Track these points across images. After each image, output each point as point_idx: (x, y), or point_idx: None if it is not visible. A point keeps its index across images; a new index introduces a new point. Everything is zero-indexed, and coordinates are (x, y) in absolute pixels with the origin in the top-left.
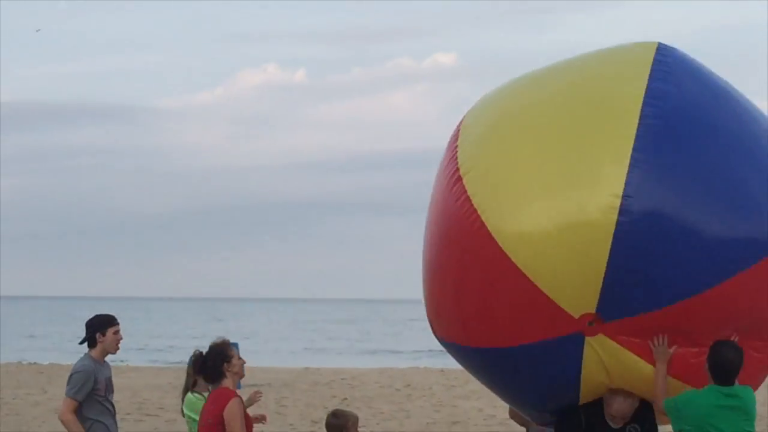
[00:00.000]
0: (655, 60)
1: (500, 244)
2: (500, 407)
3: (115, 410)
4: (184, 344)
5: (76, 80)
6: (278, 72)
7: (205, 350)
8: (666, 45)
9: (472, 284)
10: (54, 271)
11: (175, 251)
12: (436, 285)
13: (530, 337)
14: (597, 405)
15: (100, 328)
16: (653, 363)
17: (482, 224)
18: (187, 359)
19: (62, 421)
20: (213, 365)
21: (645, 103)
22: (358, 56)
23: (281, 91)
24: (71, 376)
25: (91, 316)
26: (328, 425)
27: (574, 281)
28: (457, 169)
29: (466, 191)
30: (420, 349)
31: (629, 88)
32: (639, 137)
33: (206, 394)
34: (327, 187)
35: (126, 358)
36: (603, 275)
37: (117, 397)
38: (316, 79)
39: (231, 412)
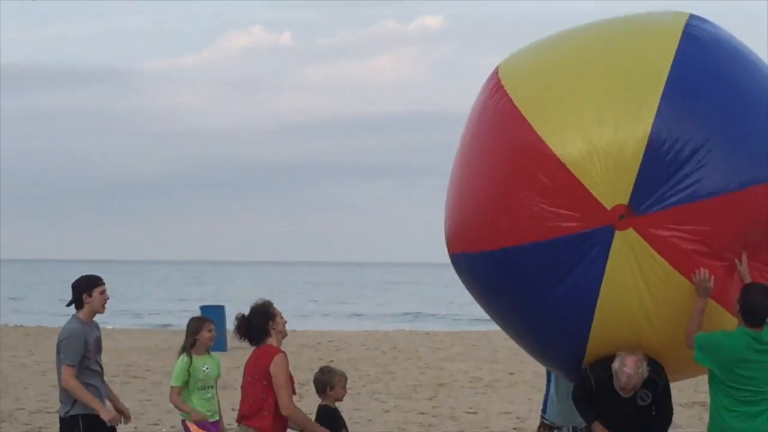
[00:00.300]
0: (686, 27)
1: (539, 133)
2: (486, 369)
3: (103, 370)
4: (169, 307)
5: (62, 43)
6: (264, 35)
7: (246, 312)
8: (697, 16)
9: (509, 178)
10: (38, 234)
11: (160, 214)
12: (468, 189)
13: (562, 229)
14: (606, 373)
15: (86, 289)
16: (679, 267)
17: (521, 117)
18: (173, 322)
19: (67, 390)
20: (259, 324)
21: (673, 66)
22: (344, 19)
23: (267, 54)
24: (61, 342)
25: (76, 278)
26: (315, 381)
27: (610, 171)
28: (498, 81)
29: (507, 95)
30: (407, 312)
31: (661, 51)
32: (665, 94)
33: (203, 357)
34: (313, 150)
35: (110, 321)
36: (638, 167)
37: (103, 360)
38: (302, 42)
39: (278, 365)
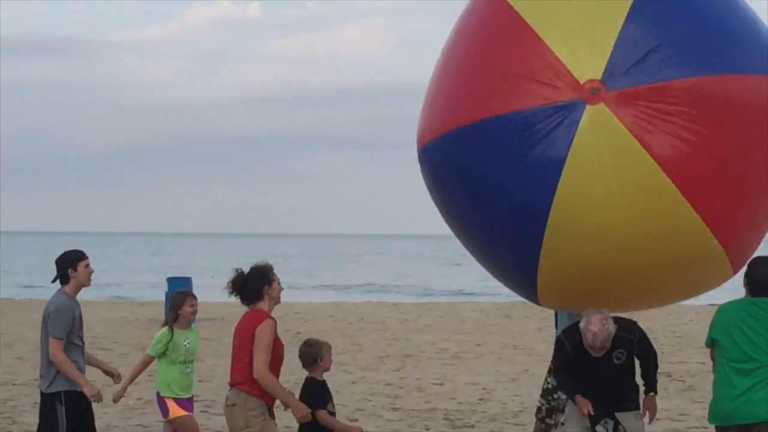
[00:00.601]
0: None
1: (517, 9)
2: (452, 340)
3: (84, 345)
4: (134, 279)
5: (27, 14)
6: (231, 6)
7: (246, 270)
8: None
9: (484, 52)
10: (3, 207)
11: (125, 185)
12: (443, 76)
13: (533, 100)
14: (578, 336)
15: (71, 264)
16: (646, 145)
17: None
18: (139, 293)
19: (54, 362)
20: (254, 286)
21: None
22: None
23: (234, 26)
24: (49, 314)
25: (60, 254)
26: (302, 355)
27: (585, 46)
28: None
29: None
30: (373, 283)
31: None
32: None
33: (185, 331)
34: (280, 122)
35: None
36: (614, 44)
37: None
38: (270, 14)
39: (263, 329)
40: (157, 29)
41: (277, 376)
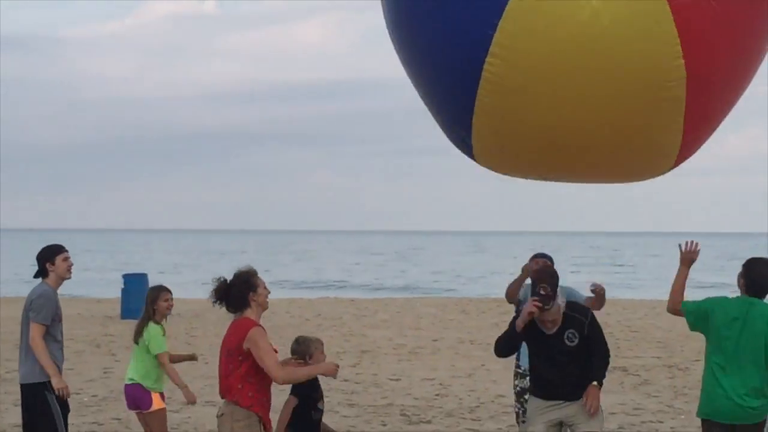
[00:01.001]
0: None
1: None
2: (409, 336)
3: (61, 333)
4: (91, 276)
5: None
6: (189, 1)
7: (229, 277)
8: None
9: None
10: None
11: (83, 182)
12: None
13: None
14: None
15: (48, 258)
16: None
17: None
18: (95, 290)
19: (32, 347)
20: (239, 294)
21: None
22: None
23: (192, 21)
24: (33, 301)
25: (39, 250)
26: (292, 352)
27: None
28: None
29: None
30: (330, 279)
31: None
32: None
33: (162, 324)
34: (237, 118)
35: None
36: None
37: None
38: (227, 9)
39: (253, 337)
40: (114, 25)
41: (269, 385)
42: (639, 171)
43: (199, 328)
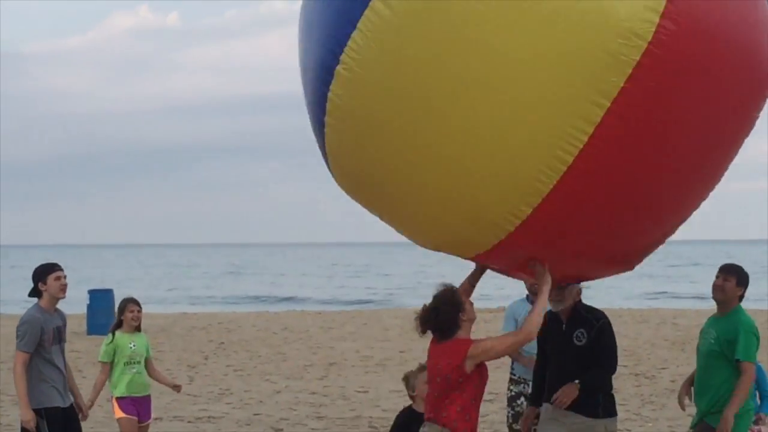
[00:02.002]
0: None
1: None
2: (376, 348)
3: (64, 361)
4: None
5: None
6: (150, 15)
7: (430, 301)
8: None
9: None
10: None
11: (42, 198)
12: None
13: None
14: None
15: (40, 278)
16: None
17: None
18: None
19: (13, 374)
20: (447, 317)
21: None
22: None
23: (154, 35)
24: (18, 328)
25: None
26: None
27: None
28: None
29: None
30: (294, 295)
31: None
32: None
33: (131, 335)
34: (201, 132)
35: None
36: None
37: None
38: (190, 22)
39: (475, 351)
40: (76, 39)
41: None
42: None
43: (166, 343)
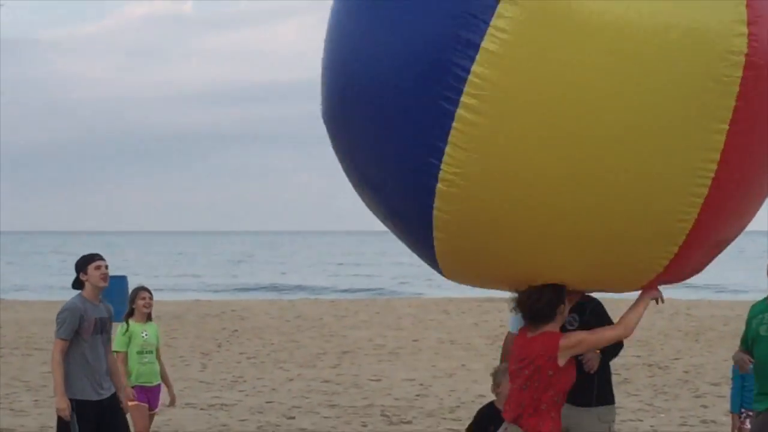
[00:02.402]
0: None
1: None
2: (389, 336)
3: (104, 354)
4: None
5: None
6: (165, 2)
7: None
8: None
9: None
10: None
11: (60, 184)
12: None
13: None
14: None
15: (81, 268)
16: None
17: None
18: (72, 293)
19: (51, 361)
20: (548, 307)
21: None
22: None
23: (169, 22)
24: (57, 315)
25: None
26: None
27: None
28: None
29: None
30: (307, 283)
31: None
32: None
33: (143, 324)
34: (214, 119)
35: (10, 293)
36: None
37: (4, 332)
38: (204, 10)
39: (568, 342)
40: (91, 27)
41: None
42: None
43: (179, 330)
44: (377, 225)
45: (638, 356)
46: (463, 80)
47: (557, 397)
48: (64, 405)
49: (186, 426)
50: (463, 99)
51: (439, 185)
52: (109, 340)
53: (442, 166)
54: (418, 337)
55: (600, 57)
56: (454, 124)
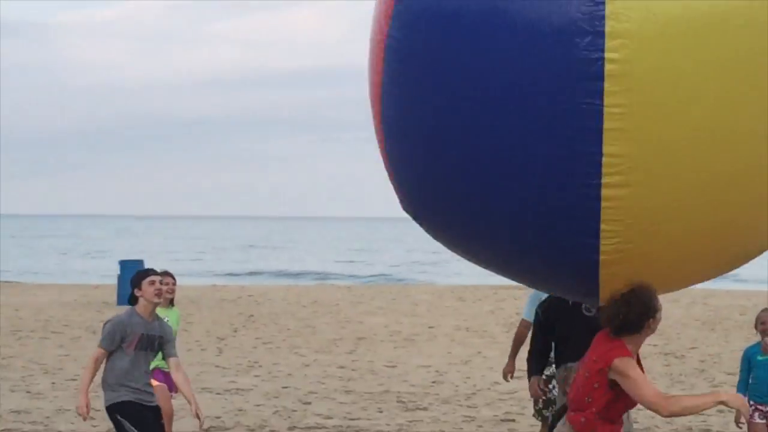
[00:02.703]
0: None
1: None
2: (405, 323)
3: (147, 367)
4: (87, 262)
5: None
6: None
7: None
8: None
9: None
10: None
11: (77, 169)
12: None
13: None
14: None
15: (135, 285)
16: None
17: None
18: (92, 276)
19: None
20: (636, 318)
21: None
22: None
23: (185, 7)
24: (103, 324)
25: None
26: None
27: None
28: None
29: None
30: (324, 269)
31: None
32: None
33: (165, 309)
34: (231, 104)
35: (27, 276)
36: None
37: (22, 315)
38: None
39: (621, 366)
40: (107, 11)
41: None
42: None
43: (195, 315)
44: (393, 211)
45: (654, 345)
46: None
47: (596, 412)
48: (82, 402)
49: (202, 410)
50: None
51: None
52: (159, 356)
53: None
54: (434, 324)
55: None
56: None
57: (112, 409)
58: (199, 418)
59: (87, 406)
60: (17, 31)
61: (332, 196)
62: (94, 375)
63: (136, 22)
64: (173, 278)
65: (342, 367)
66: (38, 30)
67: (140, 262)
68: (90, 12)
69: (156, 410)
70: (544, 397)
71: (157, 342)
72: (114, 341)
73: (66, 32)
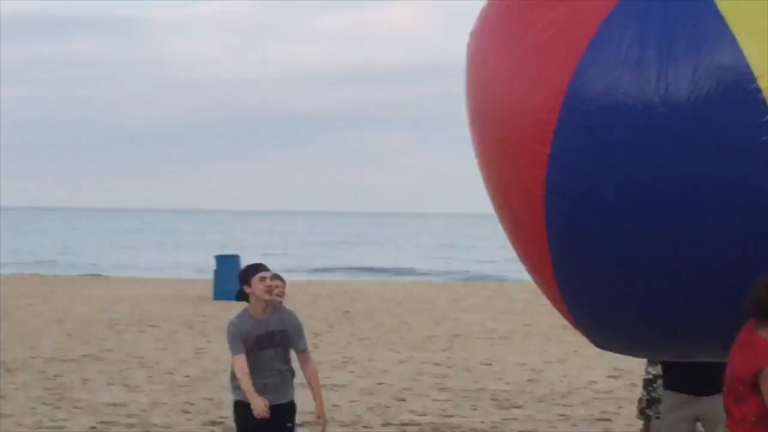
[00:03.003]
0: None
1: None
2: (501, 320)
3: (265, 361)
4: (183, 257)
5: None
6: None
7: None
8: None
9: None
10: (51, 183)
11: (173, 163)
12: None
13: None
14: None
15: (245, 281)
16: None
17: None
18: (188, 271)
19: None
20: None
21: None
22: None
23: (282, 2)
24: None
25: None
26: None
27: None
28: None
29: None
30: (418, 266)
31: None
32: None
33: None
34: (328, 100)
35: (124, 271)
36: None
37: (119, 309)
38: None
39: None
40: (206, 6)
41: None
42: None
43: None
44: (488, 208)
45: None
46: None
47: (740, 418)
48: (259, 406)
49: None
50: None
51: None
52: (280, 354)
53: None
54: (529, 322)
55: None
56: None
57: (234, 408)
58: (320, 420)
59: (265, 405)
60: (111, 25)
61: (427, 192)
62: (249, 377)
63: (235, 18)
64: (282, 281)
65: (437, 364)
66: (140, 25)
67: (236, 256)
68: (188, 7)
69: (279, 408)
70: (647, 397)
71: (278, 337)
72: (236, 345)
73: (166, 27)
